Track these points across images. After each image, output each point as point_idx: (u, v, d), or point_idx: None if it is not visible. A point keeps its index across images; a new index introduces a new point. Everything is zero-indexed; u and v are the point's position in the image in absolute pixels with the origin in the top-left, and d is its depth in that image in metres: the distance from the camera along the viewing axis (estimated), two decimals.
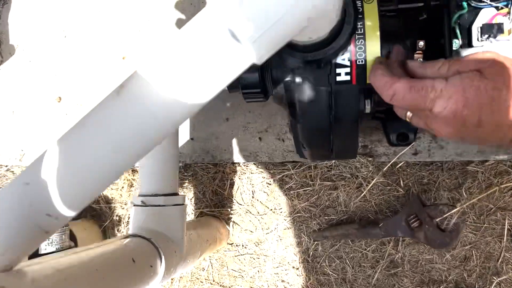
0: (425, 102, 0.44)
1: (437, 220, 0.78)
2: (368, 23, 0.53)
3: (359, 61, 0.54)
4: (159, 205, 0.66)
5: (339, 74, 0.54)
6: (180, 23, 0.91)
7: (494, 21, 0.54)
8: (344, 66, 0.54)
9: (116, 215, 0.96)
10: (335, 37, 0.48)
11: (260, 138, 0.87)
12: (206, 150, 0.89)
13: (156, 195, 0.67)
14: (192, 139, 0.89)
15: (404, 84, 0.45)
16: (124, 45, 0.93)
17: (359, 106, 0.56)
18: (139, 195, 0.68)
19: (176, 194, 0.69)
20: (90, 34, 0.95)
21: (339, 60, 0.54)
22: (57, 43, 0.96)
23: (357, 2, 0.54)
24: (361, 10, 0.53)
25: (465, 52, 0.55)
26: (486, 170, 0.83)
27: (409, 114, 0.52)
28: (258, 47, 0.36)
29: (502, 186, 0.82)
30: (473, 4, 0.56)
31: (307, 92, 0.56)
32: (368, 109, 0.58)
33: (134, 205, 0.67)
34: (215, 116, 0.88)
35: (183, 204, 0.68)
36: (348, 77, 0.54)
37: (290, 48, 0.49)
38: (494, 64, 0.43)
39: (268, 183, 0.90)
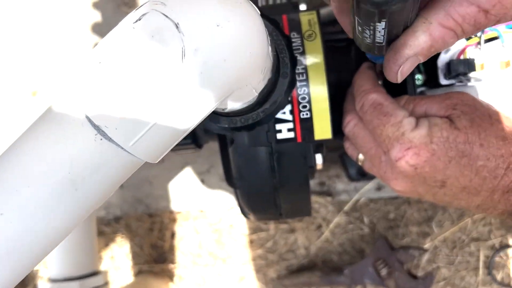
0: (381, 133, 0.35)
1: (407, 265, 0.69)
2: (311, 66, 0.42)
3: (303, 114, 0.42)
4: None
5: (280, 131, 0.43)
6: None
7: (463, 56, 0.44)
8: (285, 121, 0.43)
9: (41, 277, 0.82)
10: (268, 96, 0.36)
11: (202, 180, 0.75)
12: (138, 199, 0.76)
13: (69, 279, 0.54)
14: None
15: (377, 98, 0.37)
16: (34, 78, 0.78)
17: (307, 164, 0.45)
18: (48, 280, 0.55)
19: (95, 273, 0.56)
20: None
21: (278, 114, 0.43)
22: None
23: (296, 39, 0.42)
24: (302, 49, 0.42)
25: (431, 93, 0.45)
26: None
27: (361, 157, 0.42)
28: (142, 149, 0.25)
29: (474, 217, 0.74)
30: None
31: (243, 153, 0.45)
32: (320, 165, 0.47)
33: None
34: None
35: (105, 285, 0.56)
36: (291, 134, 0.43)
37: (213, 112, 0.37)
38: (467, 112, 0.34)
39: (216, 229, 0.78)
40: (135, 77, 0.23)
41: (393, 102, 0.37)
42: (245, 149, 0.44)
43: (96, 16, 0.77)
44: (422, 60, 0.28)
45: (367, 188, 0.73)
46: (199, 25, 0.23)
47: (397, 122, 0.34)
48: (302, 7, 0.45)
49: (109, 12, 0.77)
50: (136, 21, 0.24)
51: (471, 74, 0.43)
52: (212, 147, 0.74)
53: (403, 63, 0.27)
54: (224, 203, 0.76)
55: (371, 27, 0.26)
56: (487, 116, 0.34)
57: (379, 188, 0.73)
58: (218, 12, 0.24)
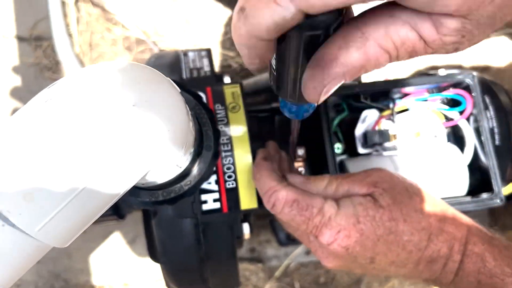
0: (307, 226, 0.35)
1: None
2: (235, 137, 0.42)
3: (229, 184, 0.42)
4: None
5: (205, 202, 0.42)
6: None
7: (378, 127, 0.47)
8: (211, 191, 0.42)
9: None
10: (192, 168, 0.36)
11: (126, 251, 0.71)
12: (56, 273, 0.70)
13: None
14: None
15: (288, 195, 0.35)
16: None
17: (234, 235, 0.44)
18: None
19: None
20: None
21: (204, 184, 0.42)
22: None
23: (221, 111, 0.43)
24: (226, 121, 0.43)
25: (350, 162, 0.47)
26: None
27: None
28: (50, 234, 0.23)
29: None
30: (354, 105, 0.49)
31: (166, 226, 0.43)
32: (247, 234, 0.47)
33: None
34: None
35: None
36: (217, 205, 0.42)
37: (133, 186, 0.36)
38: (388, 189, 0.36)
39: None
40: (39, 158, 0.22)
41: (304, 192, 0.36)
42: (169, 222, 0.43)
43: (16, 81, 0.74)
44: (348, 80, 0.23)
45: (297, 253, 0.73)
46: (115, 103, 0.23)
47: (319, 210, 0.35)
48: (226, 79, 0.46)
49: (31, 77, 0.74)
50: (47, 101, 0.23)
51: (386, 144, 0.46)
52: (138, 214, 0.71)
53: (329, 83, 0.23)
54: (150, 275, 0.72)
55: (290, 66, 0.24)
56: (405, 191, 0.36)
57: (308, 252, 0.73)
58: (135, 92, 0.24)
